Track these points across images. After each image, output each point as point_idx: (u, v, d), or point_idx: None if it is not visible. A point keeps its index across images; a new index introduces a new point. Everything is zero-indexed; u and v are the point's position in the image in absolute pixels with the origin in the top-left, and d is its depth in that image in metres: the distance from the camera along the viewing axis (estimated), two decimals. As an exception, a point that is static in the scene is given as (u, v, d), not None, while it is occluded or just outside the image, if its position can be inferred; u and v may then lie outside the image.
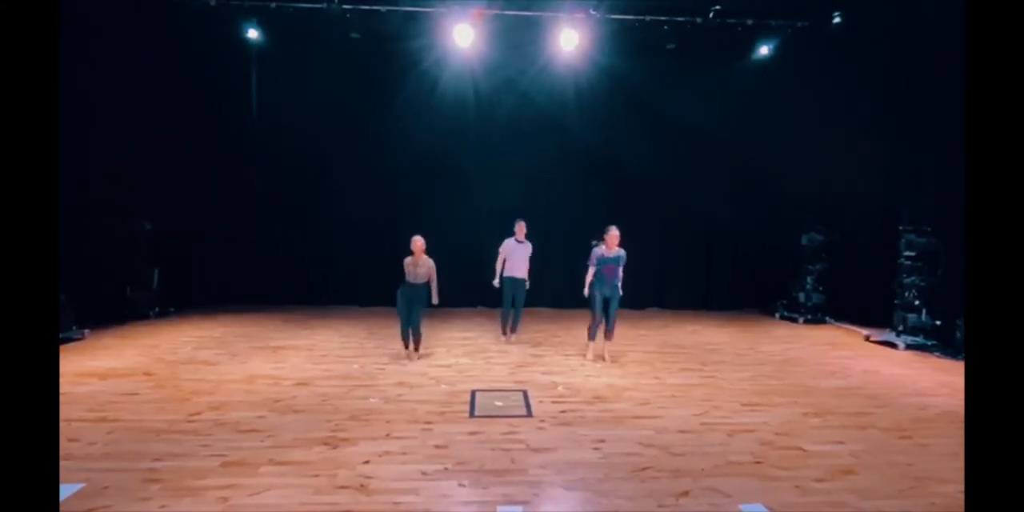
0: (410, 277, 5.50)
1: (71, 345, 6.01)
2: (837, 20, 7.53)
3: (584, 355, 5.82)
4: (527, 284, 6.53)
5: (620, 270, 5.61)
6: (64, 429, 3.65)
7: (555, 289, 9.09)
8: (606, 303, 5.63)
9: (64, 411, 3.97)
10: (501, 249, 6.55)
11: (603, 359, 5.70)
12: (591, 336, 5.75)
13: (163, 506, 2.75)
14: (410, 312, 5.53)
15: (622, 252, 5.61)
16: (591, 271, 5.65)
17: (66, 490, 2.85)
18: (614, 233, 5.55)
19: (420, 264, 5.49)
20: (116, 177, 7.53)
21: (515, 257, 6.51)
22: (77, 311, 6.37)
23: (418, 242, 5.51)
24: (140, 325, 7.30)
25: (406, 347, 5.72)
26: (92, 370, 5.12)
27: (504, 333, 6.67)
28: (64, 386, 4.56)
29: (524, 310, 6.76)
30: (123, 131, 7.67)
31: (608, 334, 5.71)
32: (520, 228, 6.54)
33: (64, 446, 3.39)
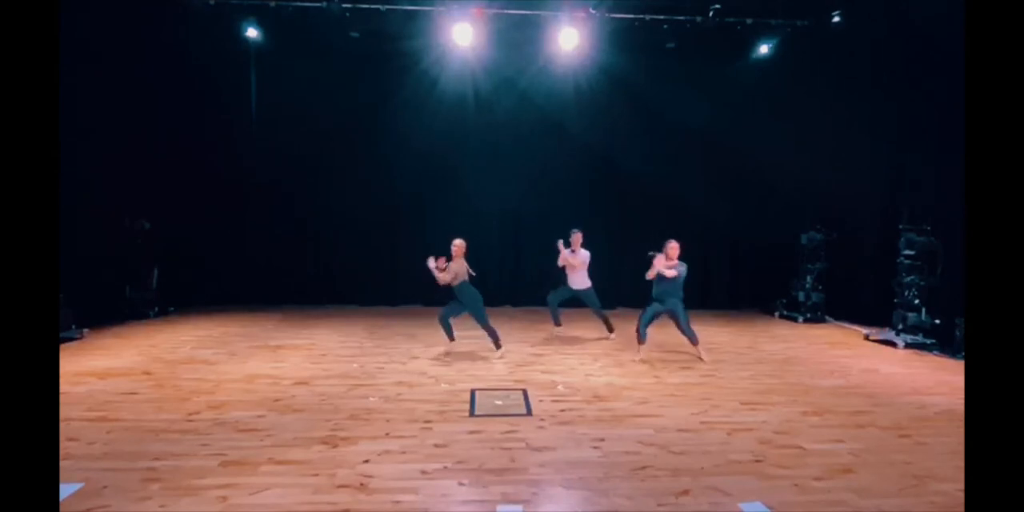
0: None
1: (70, 344, 6.01)
2: (837, 19, 7.53)
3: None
4: (589, 291, 6.58)
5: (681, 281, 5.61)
6: (63, 429, 3.65)
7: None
8: (672, 314, 5.68)
9: (63, 411, 3.96)
10: (560, 257, 6.57)
11: (700, 359, 5.79)
12: (640, 341, 5.75)
13: (162, 505, 2.75)
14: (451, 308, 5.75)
15: (683, 266, 5.60)
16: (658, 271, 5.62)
17: (65, 490, 2.85)
18: (673, 245, 5.59)
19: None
20: (115, 176, 7.52)
21: (569, 268, 6.53)
22: (76, 310, 6.37)
23: (455, 248, 5.63)
24: (139, 324, 7.30)
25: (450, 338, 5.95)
26: (91, 370, 5.11)
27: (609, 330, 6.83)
28: (63, 386, 4.55)
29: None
30: (122, 130, 7.65)
31: (693, 341, 5.76)
32: (575, 239, 6.53)
33: (63, 446, 3.38)
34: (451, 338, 5.93)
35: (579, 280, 6.55)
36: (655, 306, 5.69)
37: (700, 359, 5.79)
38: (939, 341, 6.46)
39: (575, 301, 6.77)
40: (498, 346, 5.81)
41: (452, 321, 5.90)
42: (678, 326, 5.78)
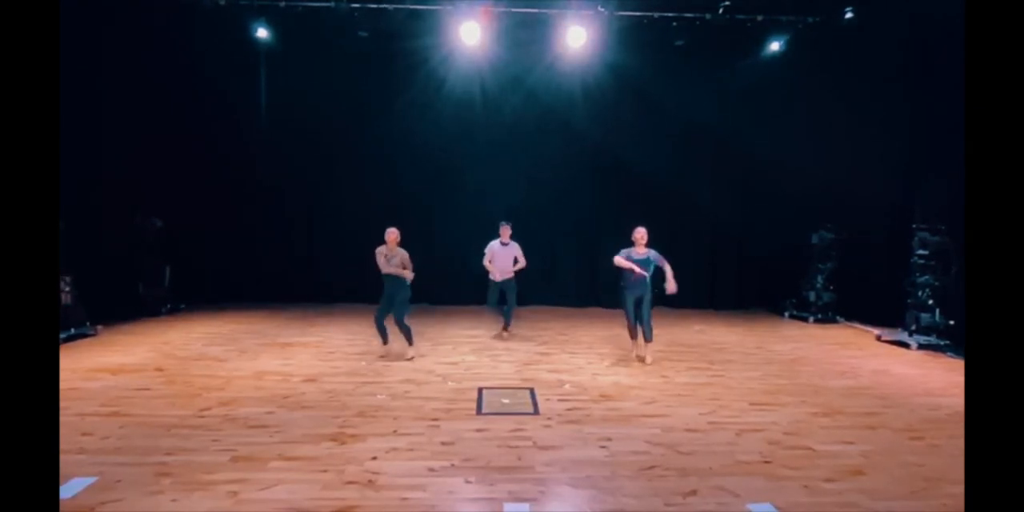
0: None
1: (84, 341, 6.10)
2: (849, 15, 7.43)
3: (632, 357, 5.72)
4: (513, 283, 6.54)
5: (653, 269, 5.38)
6: (78, 423, 3.71)
7: (561, 287, 9.07)
8: (637, 304, 5.45)
9: (77, 406, 4.03)
10: (486, 251, 6.55)
11: (642, 361, 5.56)
12: (632, 336, 5.69)
13: (174, 500, 2.78)
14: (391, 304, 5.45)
15: (651, 253, 5.37)
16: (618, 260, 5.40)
17: (79, 483, 2.90)
18: (639, 231, 5.38)
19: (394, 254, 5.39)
20: (127, 175, 7.62)
21: (499, 260, 6.50)
22: (89, 308, 6.45)
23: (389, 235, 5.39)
24: (151, 322, 7.39)
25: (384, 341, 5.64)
26: (104, 366, 5.18)
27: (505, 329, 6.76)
28: (77, 381, 4.63)
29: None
30: (134, 130, 7.75)
31: (645, 336, 5.53)
32: (504, 231, 6.53)
33: (78, 440, 3.45)
34: (385, 341, 5.64)
35: (506, 271, 6.47)
36: (631, 293, 5.41)
37: (643, 360, 5.58)
38: (953, 342, 6.36)
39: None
40: (411, 343, 5.61)
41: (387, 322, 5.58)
42: (639, 315, 5.50)
